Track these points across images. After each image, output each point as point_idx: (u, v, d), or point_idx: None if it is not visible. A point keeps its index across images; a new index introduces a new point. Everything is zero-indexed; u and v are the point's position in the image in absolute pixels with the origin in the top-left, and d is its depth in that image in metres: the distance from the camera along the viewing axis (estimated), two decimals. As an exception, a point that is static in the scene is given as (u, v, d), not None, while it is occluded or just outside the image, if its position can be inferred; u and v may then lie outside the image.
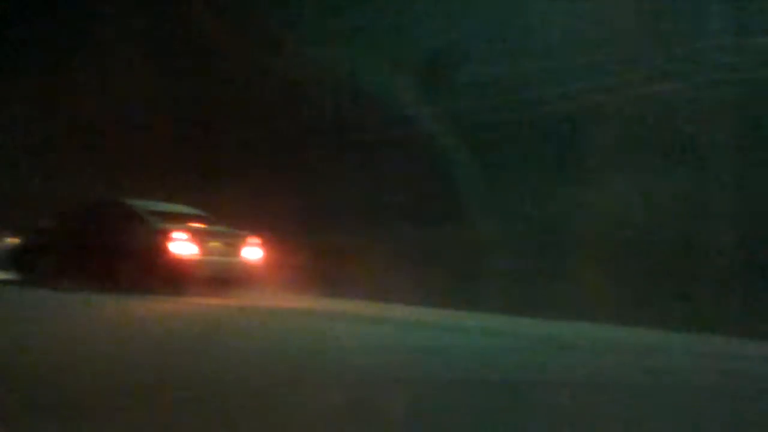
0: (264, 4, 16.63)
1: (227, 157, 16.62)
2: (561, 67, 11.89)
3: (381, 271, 13.40)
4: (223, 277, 12.64)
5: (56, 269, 13.29)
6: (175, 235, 12.26)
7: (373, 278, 13.38)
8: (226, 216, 13.62)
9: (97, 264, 12.68)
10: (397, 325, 9.54)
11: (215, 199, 14.59)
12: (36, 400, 4.26)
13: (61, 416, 3.93)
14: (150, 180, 16.21)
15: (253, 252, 12.96)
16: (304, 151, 15.55)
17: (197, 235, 12.45)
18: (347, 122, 15.36)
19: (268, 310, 10.89)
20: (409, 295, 12.31)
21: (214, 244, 12.64)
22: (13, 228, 15.75)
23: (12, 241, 15.25)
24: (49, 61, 20.27)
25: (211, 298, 11.89)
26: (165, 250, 12.13)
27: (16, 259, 14.43)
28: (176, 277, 12.14)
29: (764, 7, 10.25)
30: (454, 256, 13.12)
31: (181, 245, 12.22)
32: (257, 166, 16.13)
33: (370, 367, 5.97)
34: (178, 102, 17.45)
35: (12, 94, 20.99)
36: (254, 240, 13.01)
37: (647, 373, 6.37)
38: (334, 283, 13.70)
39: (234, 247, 12.84)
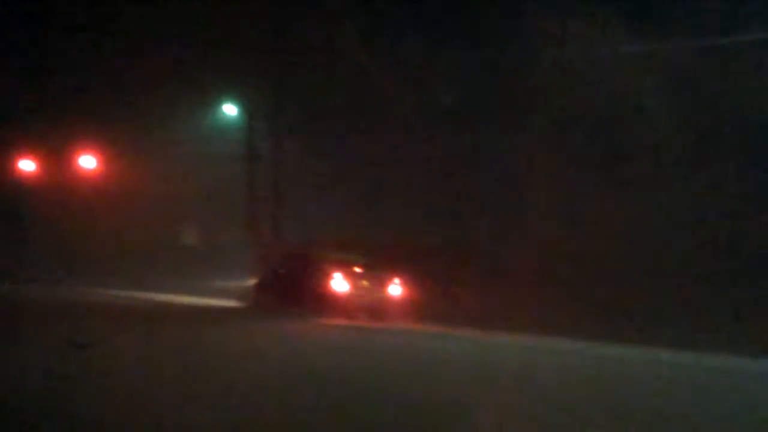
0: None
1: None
2: None
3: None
4: (370, 307, 17.92)
5: (271, 299, 19.40)
6: (334, 275, 18.01)
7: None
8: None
9: (294, 296, 18.52)
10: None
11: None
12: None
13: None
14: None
15: (395, 289, 18.30)
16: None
17: (349, 276, 18.09)
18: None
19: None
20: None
21: (363, 283, 18.18)
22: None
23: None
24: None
25: (359, 322, 17.05)
26: (327, 287, 18.01)
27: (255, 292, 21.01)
28: (334, 306, 17.70)
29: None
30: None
31: (338, 283, 17.99)
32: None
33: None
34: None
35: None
36: (397, 280, 18.33)
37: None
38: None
39: (380, 285, 18.23)
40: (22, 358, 8.35)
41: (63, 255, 27.39)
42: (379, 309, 17.85)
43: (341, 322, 16.72)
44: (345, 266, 18.33)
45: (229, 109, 26.50)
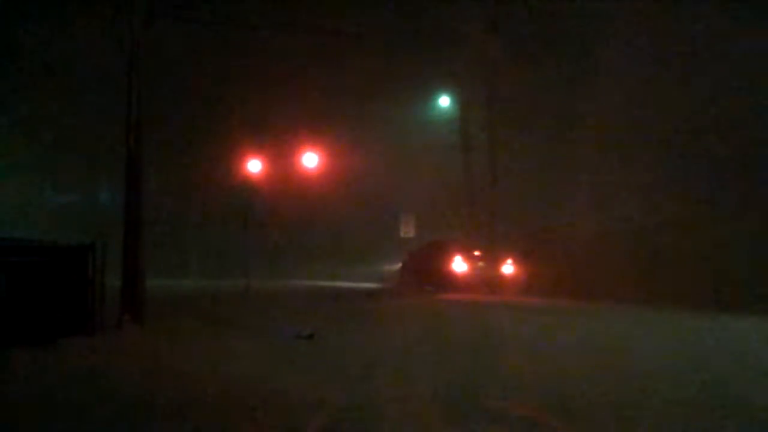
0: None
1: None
2: None
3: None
4: (486, 284, 21.63)
5: (410, 280, 23.28)
6: (456, 258, 22.32)
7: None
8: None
9: (427, 276, 22.54)
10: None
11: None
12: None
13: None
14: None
15: (508, 267, 22.38)
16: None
17: (469, 258, 22.45)
18: None
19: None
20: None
21: (480, 264, 22.52)
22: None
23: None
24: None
25: (478, 295, 20.19)
26: (450, 268, 22.27)
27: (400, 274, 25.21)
28: (456, 284, 21.75)
29: None
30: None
31: (459, 264, 22.28)
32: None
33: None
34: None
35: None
36: (509, 260, 22.39)
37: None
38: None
39: (493, 265, 22.37)
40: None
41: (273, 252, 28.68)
42: (492, 285, 21.58)
43: (460, 297, 19.76)
44: (466, 250, 22.60)
45: (444, 101, 27.14)
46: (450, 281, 21.88)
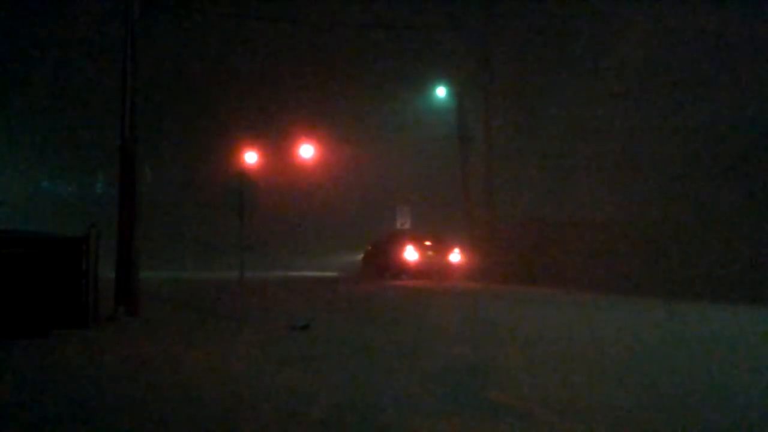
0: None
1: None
2: None
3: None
4: (434, 271, 23.48)
5: (368, 270, 25.57)
6: (407, 247, 24.09)
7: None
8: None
9: (384, 265, 24.45)
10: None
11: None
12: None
13: None
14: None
15: (455, 256, 24.41)
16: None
17: (419, 248, 24.19)
18: None
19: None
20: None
21: (429, 253, 24.22)
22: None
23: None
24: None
25: (427, 282, 21.86)
26: (402, 256, 24.07)
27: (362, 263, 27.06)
28: (408, 272, 23.67)
29: None
30: None
31: (410, 254, 24.03)
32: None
33: None
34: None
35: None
36: (457, 249, 24.44)
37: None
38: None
39: (442, 254, 24.25)
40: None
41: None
42: (441, 272, 23.47)
43: (410, 283, 21.83)
44: (417, 240, 24.44)
45: (440, 92, 27.04)
46: (403, 269, 23.89)
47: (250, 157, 25.71)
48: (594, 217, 22.49)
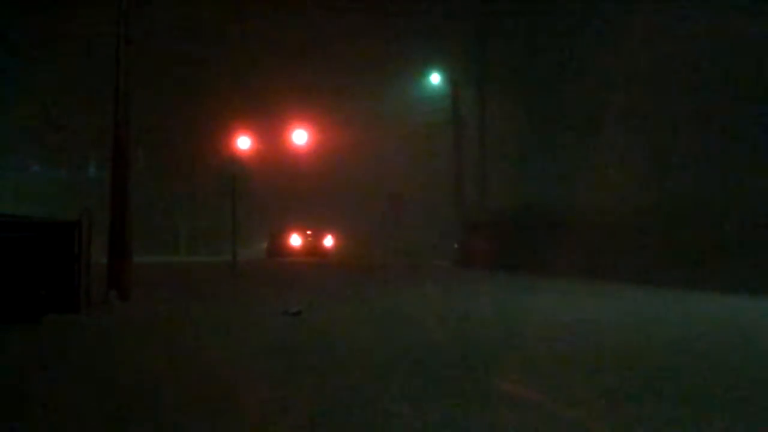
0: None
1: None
2: None
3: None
4: (313, 253, 31.76)
5: (273, 251, 33.60)
6: (292, 235, 33.05)
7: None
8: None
9: (279, 249, 33.12)
10: None
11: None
12: None
13: None
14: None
15: (328, 241, 33.58)
16: None
17: (301, 235, 33.03)
18: None
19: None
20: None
21: (309, 239, 33.07)
22: None
23: None
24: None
25: (308, 259, 28.46)
26: (289, 242, 33.08)
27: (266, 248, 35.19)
28: (294, 253, 31.79)
29: None
30: None
31: (295, 240, 33.10)
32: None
33: None
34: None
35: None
36: (329, 235, 33.55)
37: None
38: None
39: (319, 239, 33.26)
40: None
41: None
42: (316, 253, 31.76)
43: (295, 259, 28.70)
44: (301, 229, 33.07)
45: (434, 78, 26.95)
46: (290, 251, 32.24)
47: (243, 142, 25.54)
48: (581, 205, 22.38)
